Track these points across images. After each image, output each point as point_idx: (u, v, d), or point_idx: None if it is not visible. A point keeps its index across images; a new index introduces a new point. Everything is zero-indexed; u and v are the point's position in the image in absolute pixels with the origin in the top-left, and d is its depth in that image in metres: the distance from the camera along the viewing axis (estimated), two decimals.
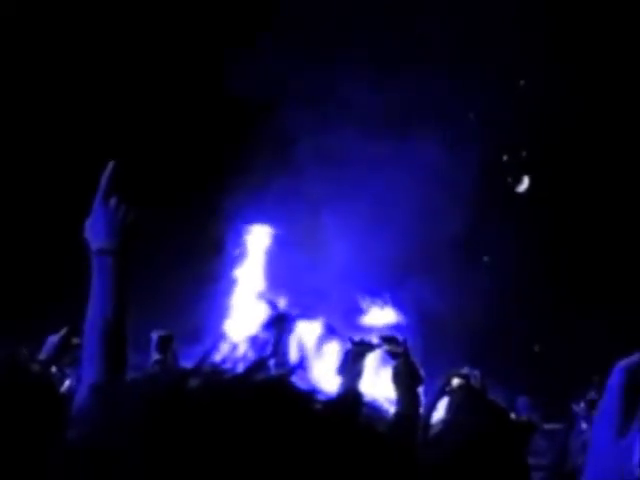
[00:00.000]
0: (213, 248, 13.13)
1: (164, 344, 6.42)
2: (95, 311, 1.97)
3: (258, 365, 0.95)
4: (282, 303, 12.73)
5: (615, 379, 1.41)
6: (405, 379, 4.39)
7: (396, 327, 12.27)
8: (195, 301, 12.06)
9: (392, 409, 4.27)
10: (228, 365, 0.94)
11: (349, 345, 4.97)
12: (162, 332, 6.51)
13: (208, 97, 13.17)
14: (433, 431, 4.01)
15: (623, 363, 1.44)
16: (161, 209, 11.21)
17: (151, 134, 12.88)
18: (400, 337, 4.70)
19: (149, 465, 0.86)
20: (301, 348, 11.15)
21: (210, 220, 12.96)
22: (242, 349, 0.97)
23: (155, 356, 6.35)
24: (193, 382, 0.92)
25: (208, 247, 13.01)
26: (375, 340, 4.85)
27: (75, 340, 4.71)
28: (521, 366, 12.94)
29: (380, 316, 12.95)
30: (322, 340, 11.91)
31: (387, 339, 4.67)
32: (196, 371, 0.94)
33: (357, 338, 5.04)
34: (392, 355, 4.61)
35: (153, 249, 10.72)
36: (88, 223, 2.17)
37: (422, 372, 4.61)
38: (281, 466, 0.87)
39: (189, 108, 13.16)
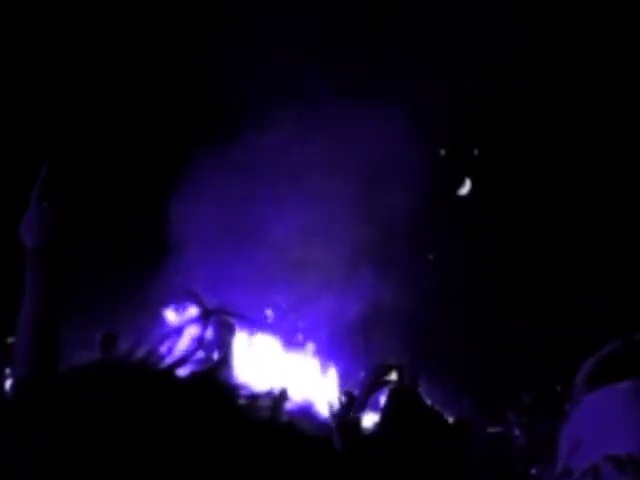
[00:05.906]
0: (158, 250, 13.02)
1: (107, 343, 6.36)
2: (26, 308, 1.97)
3: (183, 359, 0.96)
4: (204, 297, 12.61)
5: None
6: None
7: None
8: (144, 300, 11.96)
9: (327, 412, 4.29)
10: (153, 359, 0.95)
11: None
12: (106, 331, 6.46)
13: (161, 95, 13.09)
14: (367, 431, 4.04)
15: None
16: (105, 209, 11.12)
17: (100, 140, 12.76)
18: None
19: (73, 453, 0.87)
20: (227, 344, 11.06)
21: (155, 221, 12.87)
22: (168, 344, 0.98)
23: (98, 355, 6.29)
24: (118, 375, 0.93)
25: (153, 248, 12.90)
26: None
27: (10, 340, 4.65)
28: (459, 365, 13.01)
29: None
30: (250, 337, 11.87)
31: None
32: (121, 365, 0.95)
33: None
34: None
35: (100, 251, 10.64)
36: (23, 220, 2.18)
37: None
38: (201, 456, 0.88)
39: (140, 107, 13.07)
